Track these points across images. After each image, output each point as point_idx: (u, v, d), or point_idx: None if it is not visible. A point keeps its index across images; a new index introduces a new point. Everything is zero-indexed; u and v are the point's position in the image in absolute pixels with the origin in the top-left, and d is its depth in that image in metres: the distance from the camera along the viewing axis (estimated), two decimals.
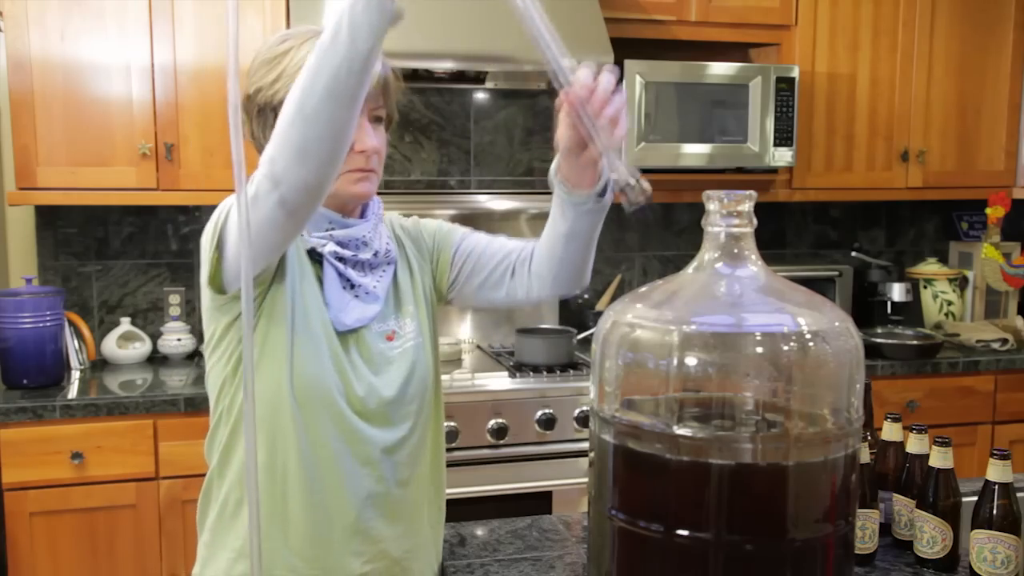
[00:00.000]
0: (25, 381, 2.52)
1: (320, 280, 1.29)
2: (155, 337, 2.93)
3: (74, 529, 2.41)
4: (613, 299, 2.95)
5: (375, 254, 1.33)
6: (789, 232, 3.55)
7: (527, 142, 3.26)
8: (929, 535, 1.33)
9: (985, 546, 1.26)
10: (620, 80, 1.14)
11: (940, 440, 1.32)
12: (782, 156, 3.00)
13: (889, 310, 3.39)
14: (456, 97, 3.18)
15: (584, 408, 2.63)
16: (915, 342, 3.05)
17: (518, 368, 2.76)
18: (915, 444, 1.39)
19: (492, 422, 2.56)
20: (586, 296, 3.30)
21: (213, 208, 1.23)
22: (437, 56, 2.66)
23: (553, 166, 1.29)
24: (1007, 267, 3.30)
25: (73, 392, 2.50)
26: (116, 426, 2.41)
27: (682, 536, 0.90)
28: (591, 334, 2.96)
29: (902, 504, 1.40)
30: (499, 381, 2.66)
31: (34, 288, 2.62)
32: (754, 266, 0.98)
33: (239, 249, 1.10)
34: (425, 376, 1.35)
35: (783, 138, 2.99)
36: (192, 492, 2.28)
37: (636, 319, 0.97)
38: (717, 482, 0.89)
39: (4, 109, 2.77)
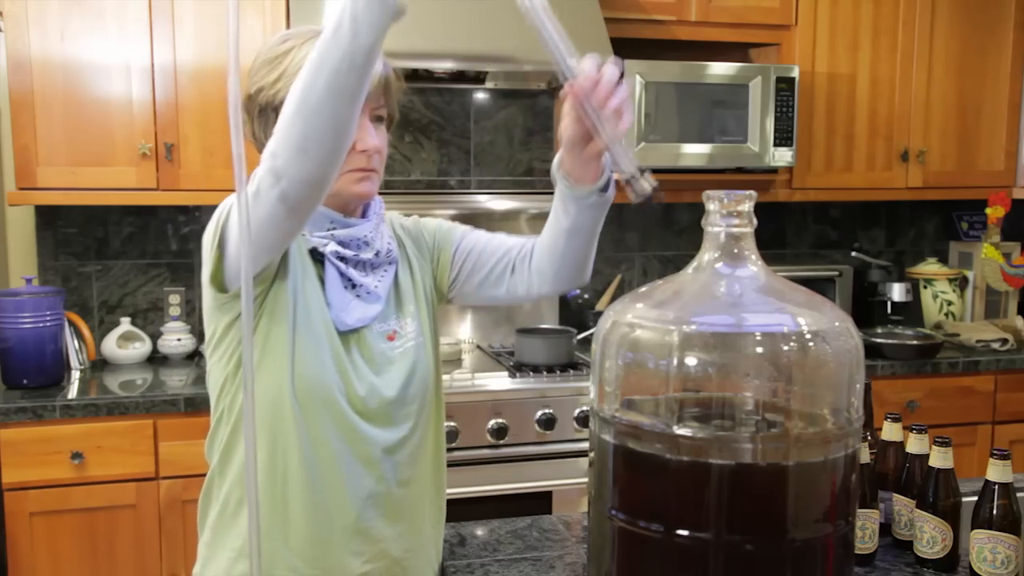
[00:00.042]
0: (25, 381, 2.52)
1: (322, 280, 1.29)
2: (155, 337, 2.93)
3: (74, 529, 2.41)
4: (613, 299, 2.95)
5: (377, 254, 1.33)
6: (789, 232, 3.55)
7: (527, 142, 3.26)
8: (929, 535, 1.33)
9: (985, 546, 1.26)
10: (622, 75, 1.14)
11: (940, 440, 1.32)
12: (782, 156, 3.00)
13: (889, 310, 3.39)
14: (456, 97, 3.18)
15: (584, 408, 2.63)
16: (915, 342, 3.05)
17: (518, 368, 2.76)
18: (915, 444, 1.40)
19: (492, 422, 2.56)
20: (586, 296, 3.30)
21: (213, 208, 1.23)
22: (437, 56, 2.66)
23: (556, 161, 1.29)
24: (1007, 267, 3.30)
25: (73, 392, 2.50)
26: (116, 426, 2.41)
27: (682, 536, 0.90)
28: (591, 334, 2.97)
29: (902, 504, 1.40)
30: (499, 381, 2.66)
31: (34, 288, 2.62)
32: (754, 266, 0.98)
33: (240, 247, 1.10)
34: (426, 376, 1.35)
35: (783, 138, 2.99)
36: (192, 492, 2.28)
37: (636, 319, 0.97)
38: (717, 482, 0.89)
39: (4, 109, 2.77)
